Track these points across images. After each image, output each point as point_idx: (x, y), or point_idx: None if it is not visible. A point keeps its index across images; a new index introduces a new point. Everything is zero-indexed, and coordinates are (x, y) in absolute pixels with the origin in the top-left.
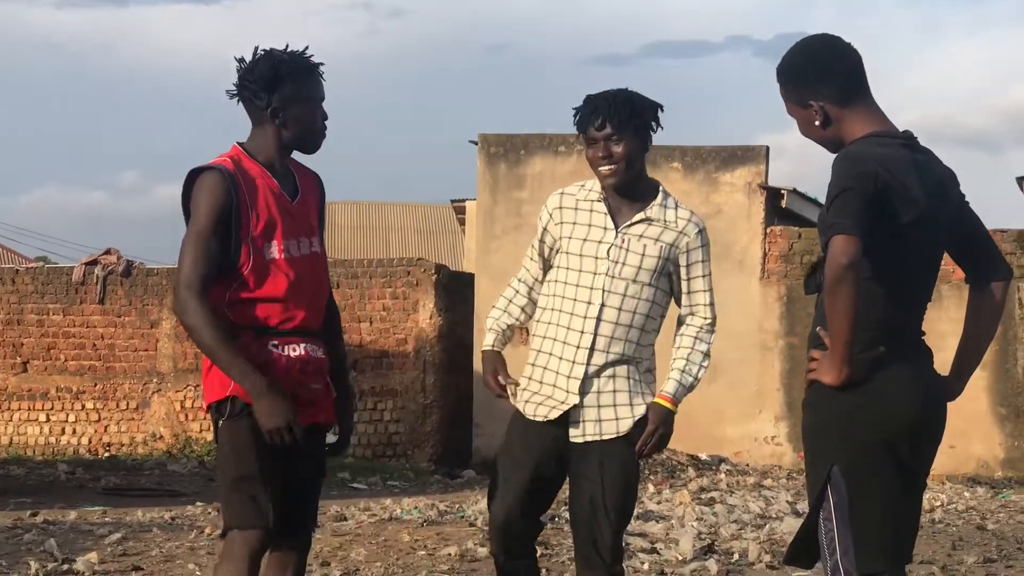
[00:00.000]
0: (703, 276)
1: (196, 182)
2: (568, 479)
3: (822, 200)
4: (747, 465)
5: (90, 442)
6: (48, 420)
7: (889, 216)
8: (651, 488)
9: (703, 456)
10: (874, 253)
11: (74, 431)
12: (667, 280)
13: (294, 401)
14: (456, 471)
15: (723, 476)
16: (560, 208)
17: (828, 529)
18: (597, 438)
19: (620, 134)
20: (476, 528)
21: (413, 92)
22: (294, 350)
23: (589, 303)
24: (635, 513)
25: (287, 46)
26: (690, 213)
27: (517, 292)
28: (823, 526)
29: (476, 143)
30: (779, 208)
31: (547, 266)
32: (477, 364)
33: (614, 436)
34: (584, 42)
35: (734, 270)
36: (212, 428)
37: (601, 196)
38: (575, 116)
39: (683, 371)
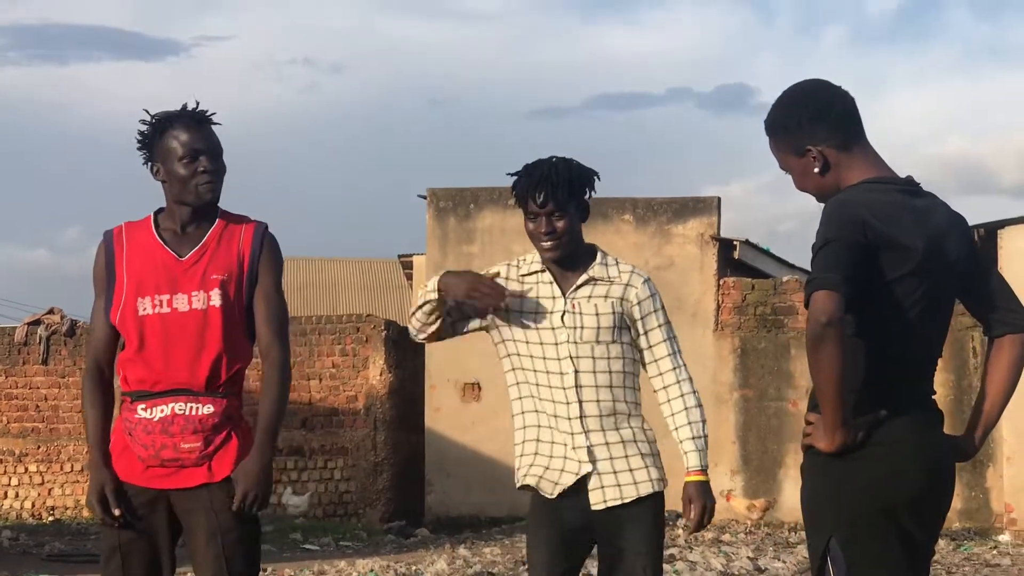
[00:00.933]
0: (660, 326)
1: None
2: (597, 548)
3: (774, 251)
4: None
5: (34, 506)
6: None
7: (881, 267)
8: None
9: None
10: (866, 307)
11: (17, 495)
12: (629, 334)
13: (161, 465)
14: (409, 529)
15: (680, 532)
16: (507, 279)
17: None
18: (619, 502)
19: (562, 211)
20: None
21: (356, 147)
22: (162, 411)
23: (562, 373)
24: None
25: (184, 105)
26: (631, 267)
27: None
28: None
29: (425, 197)
30: (732, 259)
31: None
32: (428, 421)
33: (635, 498)
34: (527, 95)
35: (687, 322)
36: None
37: (543, 267)
38: (514, 186)
39: (693, 437)
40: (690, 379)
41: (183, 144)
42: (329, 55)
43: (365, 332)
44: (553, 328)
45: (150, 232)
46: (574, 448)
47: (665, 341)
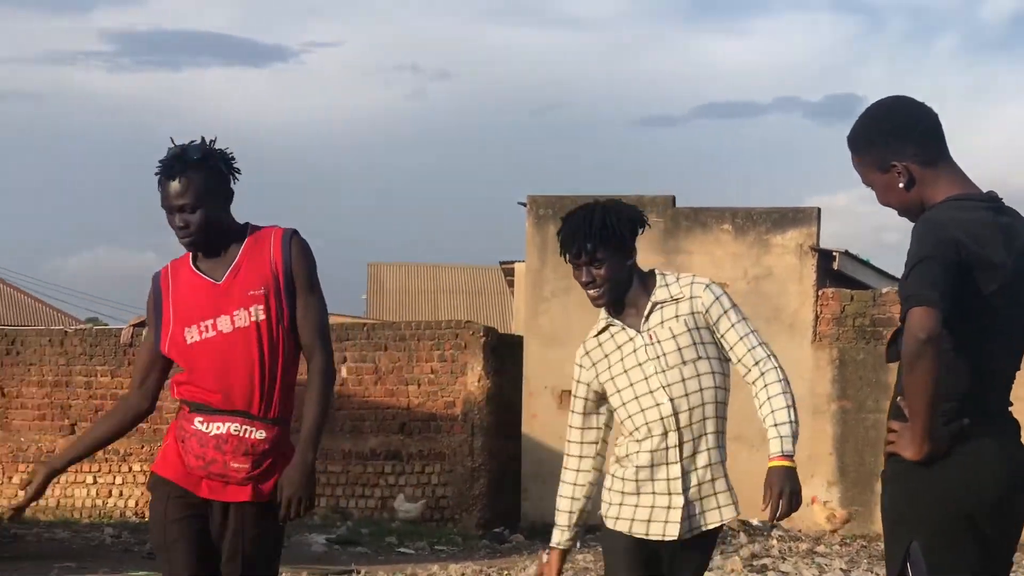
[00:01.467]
0: (733, 325)
1: None
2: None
3: (874, 263)
4: (799, 531)
5: (137, 504)
6: (95, 482)
7: (972, 285)
8: None
9: (754, 521)
10: (957, 323)
11: (121, 493)
12: (714, 347)
13: (207, 476)
14: (505, 535)
15: (775, 542)
16: (586, 354)
17: None
18: (701, 528)
19: (598, 261)
20: None
21: (461, 153)
22: (218, 428)
23: (658, 404)
24: None
25: (190, 142)
26: (691, 277)
27: (581, 460)
28: None
29: (525, 205)
30: (831, 270)
31: (590, 413)
32: (526, 427)
33: (718, 524)
34: (632, 103)
35: (785, 333)
36: None
37: (608, 318)
38: (558, 235)
39: (775, 424)
40: (775, 367)
41: (162, 199)
42: (436, 61)
43: (464, 338)
44: (640, 365)
45: (188, 266)
46: (669, 479)
47: (742, 339)
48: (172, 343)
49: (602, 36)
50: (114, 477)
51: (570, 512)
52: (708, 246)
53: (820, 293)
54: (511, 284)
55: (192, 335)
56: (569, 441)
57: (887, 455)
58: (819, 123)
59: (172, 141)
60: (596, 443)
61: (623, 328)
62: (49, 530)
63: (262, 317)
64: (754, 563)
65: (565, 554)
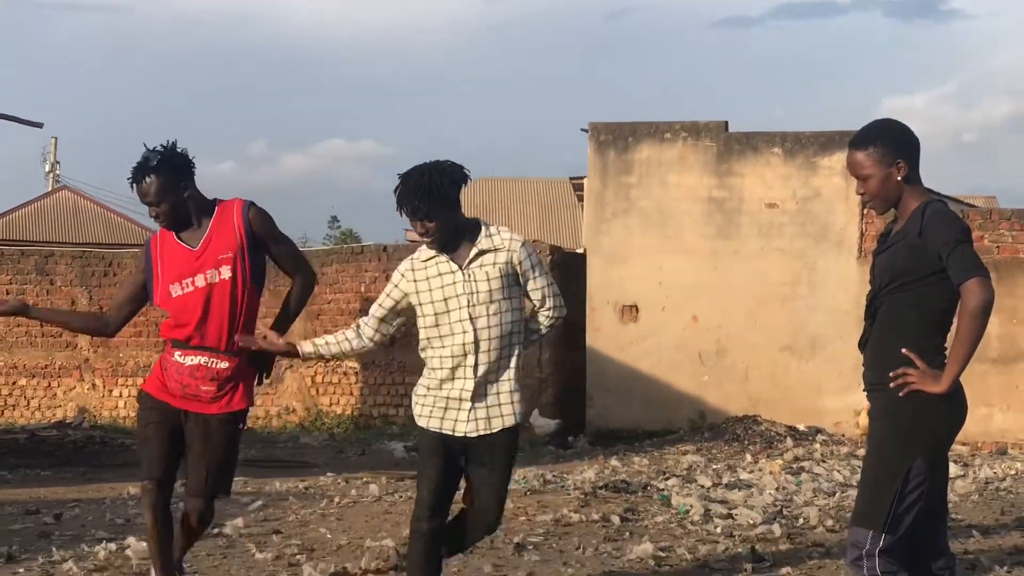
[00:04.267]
0: (536, 277)
1: None
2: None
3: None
4: (843, 436)
5: None
6: None
7: None
8: (748, 458)
9: (801, 427)
10: (950, 290)
11: None
12: (518, 289)
13: (183, 396)
14: (569, 441)
15: (818, 446)
16: (412, 270)
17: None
18: (488, 432)
19: (428, 217)
20: (571, 497)
21: (536, 62)
22: (192, 360)
23: (464, 332)
24: (724, 482)
25: (165, 144)
26: (510, 233)
27: (359, 332)
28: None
29: (587, 131)
30: None
31: (389, 318)
32: (590, 340)
33: (501, 429)
34: (710, 5)
35: (833, 250)
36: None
37: (435, 251)
38: (395, 193)
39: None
40: (557, 307)
41: (141, 198)
42: None
43: None
44: (456, 296)
45: (172, 236)
46: (463, 390)
47: (541, 288)
48: (162, 297)
49: None
50: None
51: (327, 342)
52: (759, 169)
53: (865, 212)
54: (581, 199)
55: (176, 290)
56: (363, 319)
57: (908, 392)
58: (899, 21)
59: (144, 146)
60: (375, 335)
61: (448, 261)
62: None
63: (228, 275)
64: (794, 465)
65: (293, 353)
